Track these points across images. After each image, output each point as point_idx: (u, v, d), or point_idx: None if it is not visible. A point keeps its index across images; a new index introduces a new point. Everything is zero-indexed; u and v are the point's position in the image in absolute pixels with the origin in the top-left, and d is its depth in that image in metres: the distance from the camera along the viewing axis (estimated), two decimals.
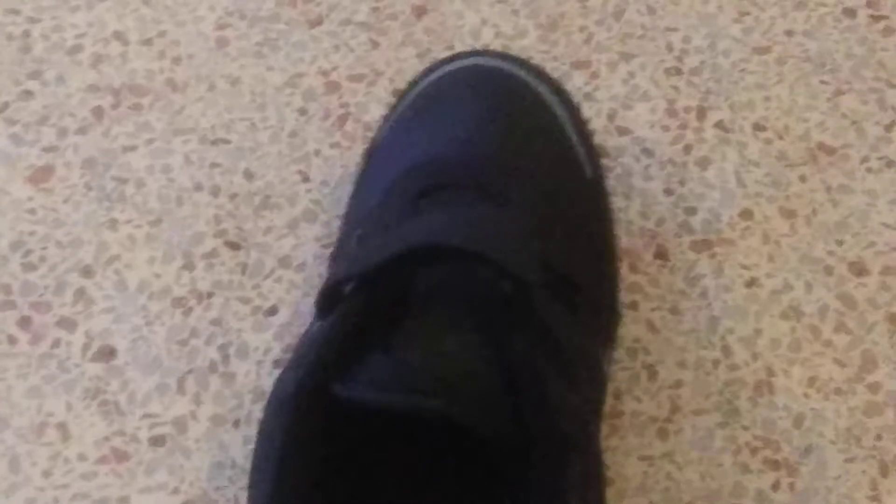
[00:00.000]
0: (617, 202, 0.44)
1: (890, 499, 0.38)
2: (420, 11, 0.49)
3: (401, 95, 0.41)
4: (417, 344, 0.30)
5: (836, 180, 0.45)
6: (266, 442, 0.30)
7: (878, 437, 0.39)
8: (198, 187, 0.44)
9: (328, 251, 0.42)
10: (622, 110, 0.46)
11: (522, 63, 0.40)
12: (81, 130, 0.45)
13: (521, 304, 0.31)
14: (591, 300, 0.36)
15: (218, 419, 0.40)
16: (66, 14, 0.48)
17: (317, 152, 0.45)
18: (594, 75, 0.47)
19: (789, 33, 0.48)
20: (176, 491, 0.38)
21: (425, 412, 0.29)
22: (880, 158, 0.45)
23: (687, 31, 0.48)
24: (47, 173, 0.45)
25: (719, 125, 0.46)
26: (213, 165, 0.45)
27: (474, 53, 0.41)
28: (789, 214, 0.44)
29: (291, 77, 0.47)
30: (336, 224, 0.43)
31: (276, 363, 0.41)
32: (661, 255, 0.43)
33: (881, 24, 0.48)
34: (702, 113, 0.46)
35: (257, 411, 0.40)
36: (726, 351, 0.41)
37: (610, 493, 0.38)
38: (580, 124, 0.40)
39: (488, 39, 0.48)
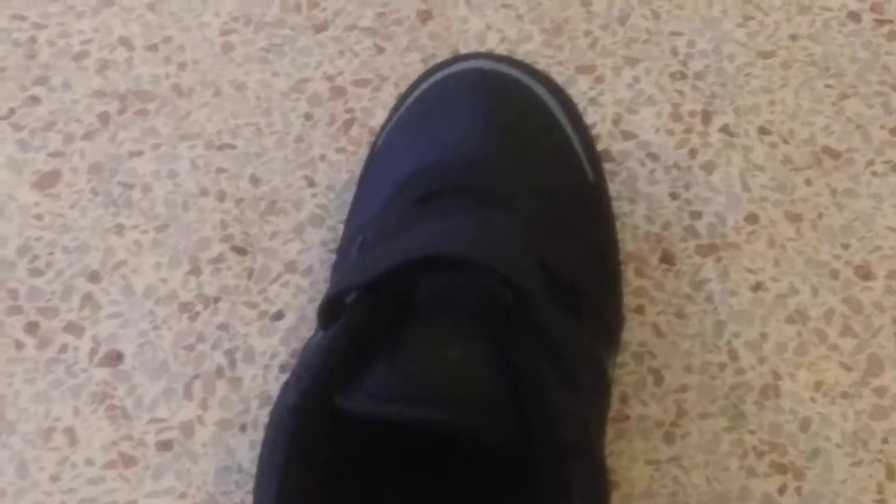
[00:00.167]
0: (622, 206, 0.44)
1: None
2: (425, 16, 0.49)
3: (402, 98, 0.41)
4: (420, 353, 0.30)
5: (842, 184, 0.45)
6: (270, 449, 0.30)
7: (885, 441, 0.39)
8: (204, 192, 0.44)
9: (334, 255, 0.43)
10: (627, 115, 0.46)
11: (522, 66, 0.40)
12: (88, 136, 0.46)
13: (522, 312, 0.31)
14: (594, 304, 0.36)
15: (225, 424, 0.40)
16: (72, 20, 0.48)
17: (322, 157, 0.45)
18: (599, 80, 0.47)
19: (794, 37, 0.48)
20: (183, 495, 0.38)
21: (428, 422, 0.29)
22: (886, 162, 0.45)
23: (692, 35, 0.48)
24: (54, 179, 0.45)
25: (724, 129, 0.46)
26: (219, 171, 0.45)
27: (474, 56, 0.40)
28: (795, 218, 0.44)
29: (297, 82, 0.47)
30: (342, 229, 0.43)
31: (282, 368, 0.41)
32: (667, 259, 0.43)
33: (886, 29, 0.48)
34: (707, 117, 0.46)
35: (264, 416, 0.40)
36: (732, 355, 0.41)
37: (616, 497, 0.38)
38: (581, 127, 0.40)
39: (493, 44, 0.48)
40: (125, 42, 0.48)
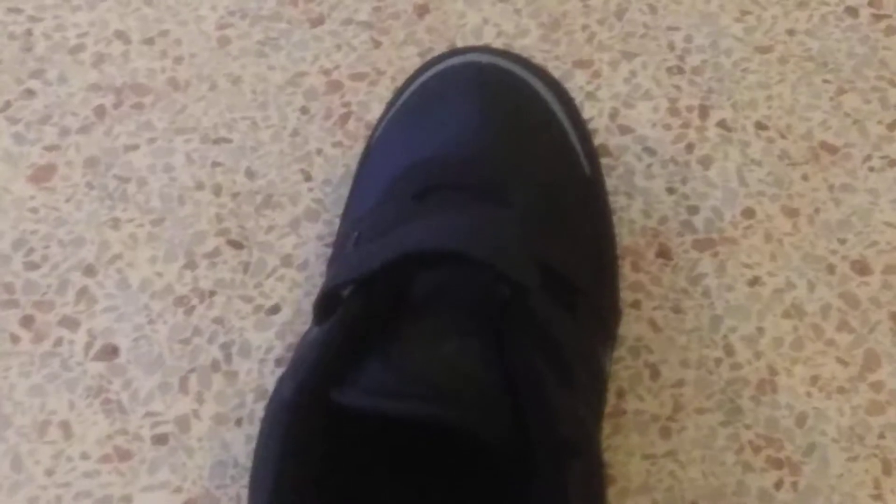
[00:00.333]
0: (619, 201, 0.44)
1: (893, 497, 0.38)
2: (422, 10, 0.49)
3: (398, 92, 0.41)
4: (416, 349, 0.30)
5: (839, 179, 0.45)
6: (266, 444, 0.30)
7: (881, 436, 0.39)
8: (199, 186, 0.44)
9: (330, 250, 0.42)
10: (624, 109, 0.46)
11: (519, 59, 0.40)
12: (83, 129, 0.45)
13: (519, 308, 0.31)
14: (590, 299, 0.36)
15: (220, 418, 0.40)
16: (68, 13, 0.48)
17: (319, 151, 0.45)
18: (596, 74, 0.47)
19: (791, 32, 0.48)
20: (178, 489, 0.38)
21: (424, 418, 0.29)
22: (883, 157, 0.45)
23: (689, 30, 0.48)
24: (49, 172, 0.45)
25: (721, 124, 0.46)
26: (215, 164, 0.45)
27: (471, 50, 0.40)
28: (792, 213, 0.44)
29: (293, 76, 0.47)
30: (338, 223, 0.43)
31: (278, 362, 0.41)
32: (664, 254, 0.43)
33: (883, 23, 0.48)
34: (704, 112, 0.46)
35: (259, 410, 0.40)
36: (729, 350, 0.41)
37: (613, 492, 0.38)
38: (578, 121, 0.40)
39: (490, 38, 0.48)
40: (121, 36, 0.48)
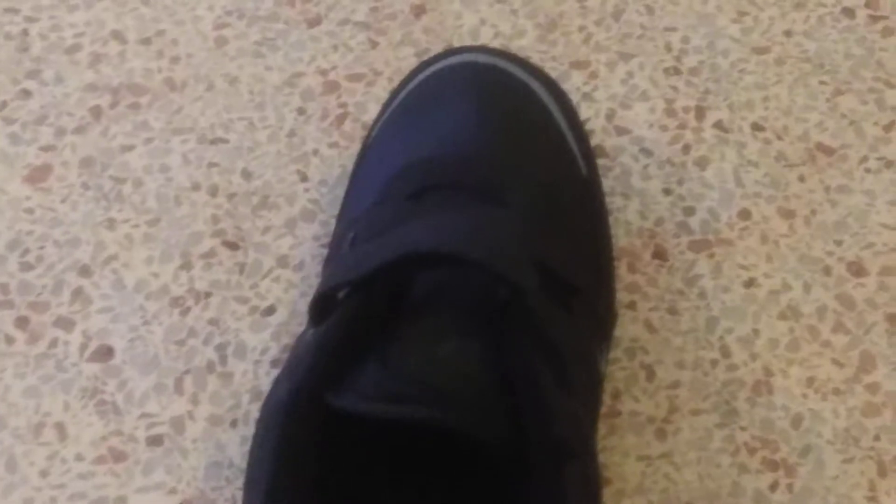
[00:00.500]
0: (615, 202, 0.44)
1: (888, 499, 0.38)
2: (419, 11, 0.48)
3: (394, 92, 0.41)
4: (412, 351, 0.30)
5: (835, 180, 0.45)
6: (261, 445, 0.30)
7: (877, 438, 0.39)
8: (196, 187, 0.44)
9: (326, 250, 0.42)
10: (621, 110, 0.46)
11: (516, 60, 0.40)
12: (79, 130, 0.45)
13: (517, 310, 0.31)
14: (587, 300, 0.36)
15: (215, 419, 0.40)
16: (65, 13, 0.48)
17: (315, 152, 0.45)
18: (593, 75, 0.47)
19: (788, 33, 0.48)
20: (173, 491, 0.38)
21: (422, 420, 0.29)
22: (879, 159, 0.45)
23: (686, 31, 0.48)
24: (45, 173, 0.44)
25: (718, 125, 0.46)
26: (212, 165, 0.45)
27: (468, 50, 0.40)
28: (788, 214, 0.44)
29: (290, 77, 0.47)
30: (334, 224, 0.43)
31: (273, 363, 0.41)
32: (660, 255, 0.43)
33: (880, 25, 0.48)
34: (700, 113, 0.46)
35: (255, 411, 0.40)
36: (724, 351, 0.41)
37: (608, 493, 0.38)
38: (575, 122, 0.40)
39: (487, 39, 0.48)
40: (118, 36, 0.48)
